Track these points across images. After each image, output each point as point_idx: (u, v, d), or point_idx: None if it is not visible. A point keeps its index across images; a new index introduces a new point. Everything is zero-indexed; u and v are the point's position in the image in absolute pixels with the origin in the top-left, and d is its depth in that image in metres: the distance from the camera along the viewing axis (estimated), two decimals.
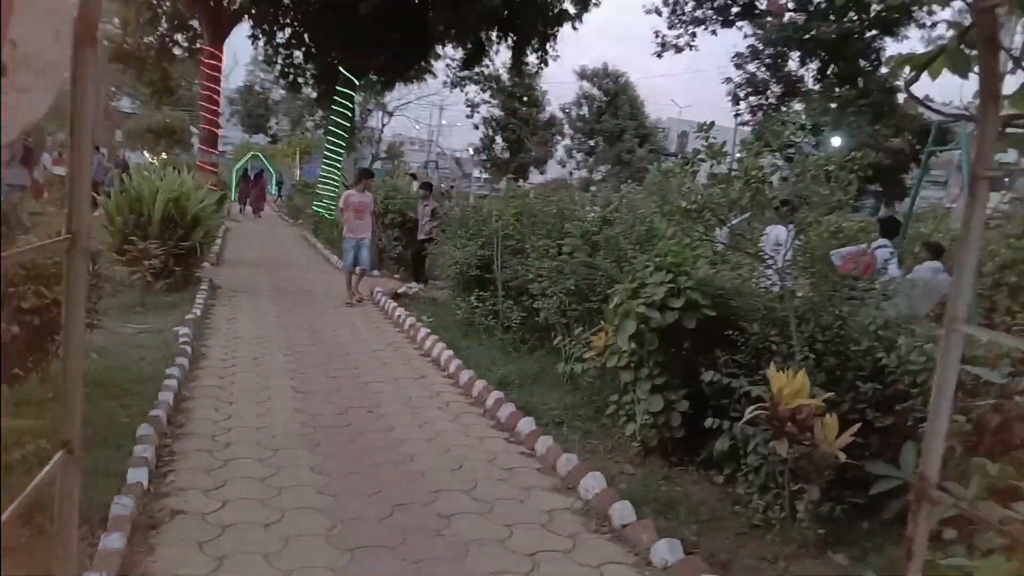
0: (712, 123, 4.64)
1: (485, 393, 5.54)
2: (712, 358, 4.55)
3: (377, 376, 6.10)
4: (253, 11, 23.39)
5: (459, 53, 30.46)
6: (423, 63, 24.46)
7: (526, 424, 4.84)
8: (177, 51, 23.82)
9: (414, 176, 19.16)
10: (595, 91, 46.26)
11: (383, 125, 50.90)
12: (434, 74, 27.05)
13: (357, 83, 22.27)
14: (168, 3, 22.15)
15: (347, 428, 4.73)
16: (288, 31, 24.66)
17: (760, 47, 29.66)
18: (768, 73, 30.92)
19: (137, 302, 7.92)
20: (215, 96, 21.87)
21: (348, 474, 3.98)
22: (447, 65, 47.44)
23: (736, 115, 31.80)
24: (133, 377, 5.22)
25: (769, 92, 31.13)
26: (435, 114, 55.33)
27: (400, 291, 10.42)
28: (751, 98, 31.14)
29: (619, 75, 46.14)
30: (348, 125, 22.67)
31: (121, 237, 8.64)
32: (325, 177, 22.12)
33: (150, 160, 31.86)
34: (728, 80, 30.63)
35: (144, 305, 7.91)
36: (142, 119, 30.46)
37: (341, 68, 21.82)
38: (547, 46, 23.06)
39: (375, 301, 9.88)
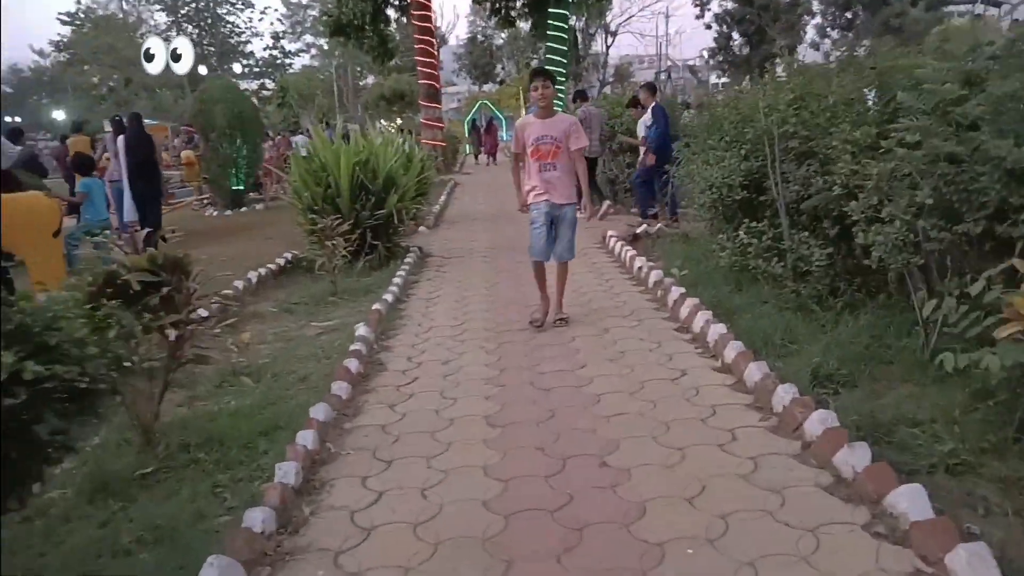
0: None
1: (797, 411, 3.13)
2: None
3: (613, 382, 3.93)
4: None
5: None
6: None
7: (906, 499, 2.37)
8: (391, 12, 23.17)
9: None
10: None
11: (607, 47, 47.80)
12: None
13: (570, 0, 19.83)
14: None
15: (564, 512, 2.65)
16: None
17: None
18: None
19: (330, 291, 6.59)
20: (429, 49, 20.82)
21: None
22: None
23: None
24: (271, 421, 3.64)
25: None
26: (661, 24, 50.87)
27: (639, 231, 8.12)
28: None
29: None
30: (565, 49, 20.36)
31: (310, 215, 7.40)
32: None
33: (385, 125, 32.55)
34: None
35: (338, 293, 6.56)
36: (375, 88, 30.95)
37: None
38: None
39: (608, 248, 7.70)
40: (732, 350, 3.94)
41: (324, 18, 22.52)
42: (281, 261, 7.59)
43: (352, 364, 4.27)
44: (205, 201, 14.44)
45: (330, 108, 48.22)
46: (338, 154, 7.21)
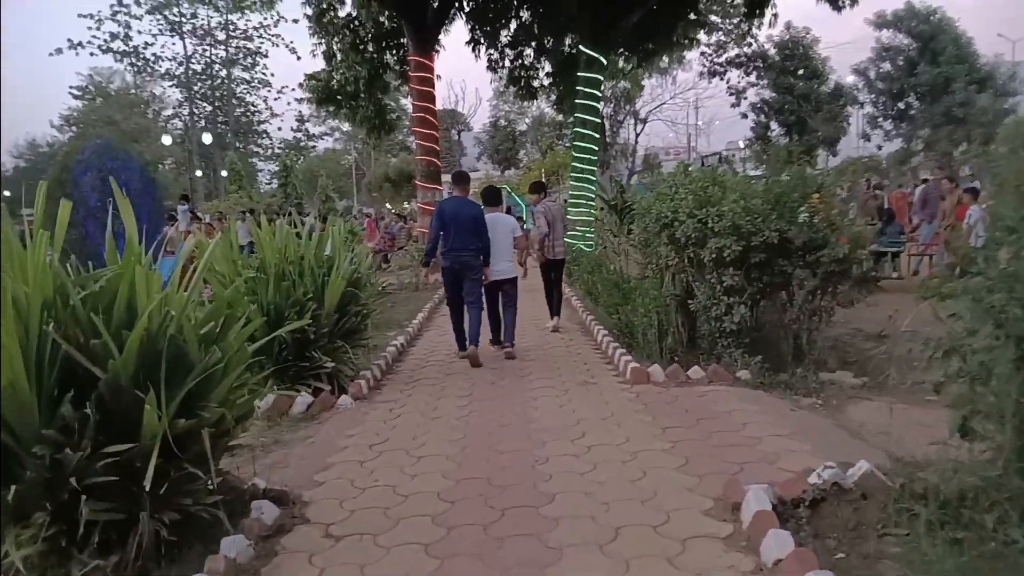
0: None
1: None
2: None
3: None
4: (467, 6, 17.96)
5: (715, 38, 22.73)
6: (690, 18, 17.01)
7: None
8: (390, 78, 19.21)
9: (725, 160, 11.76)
10: (901, 38, 34.89)
11: (637, 135, 44.16)
12: (707, 28, 19.44)
13: (604, 62, 15.57)
14: (372, 23, 17.39)
15: None
16: (513, 25, 18.94)
17: None
18: None
19: None
20: (430, 119, 16.56)
21: None
22: (702, 54, 38.99)
23: None
24: None
25: None
26: (691, 114, 47.31)
27: (821, 480, 3.11)
28: None
29: (932, 12, 34.33)
30: (598, 121, 15.98)
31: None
32: (576, 197, 15.62)
33: (390, 211, 28.35)
34: None
35: None
36: (378, 169, 26.90)
37: (582, 48, 15.33)
38: None
39: (748, 541, 2.71)
40: None
41: (311, 82, 18.45)
42: None
43: None
44: None
45: (346, 191, 44.72)
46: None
